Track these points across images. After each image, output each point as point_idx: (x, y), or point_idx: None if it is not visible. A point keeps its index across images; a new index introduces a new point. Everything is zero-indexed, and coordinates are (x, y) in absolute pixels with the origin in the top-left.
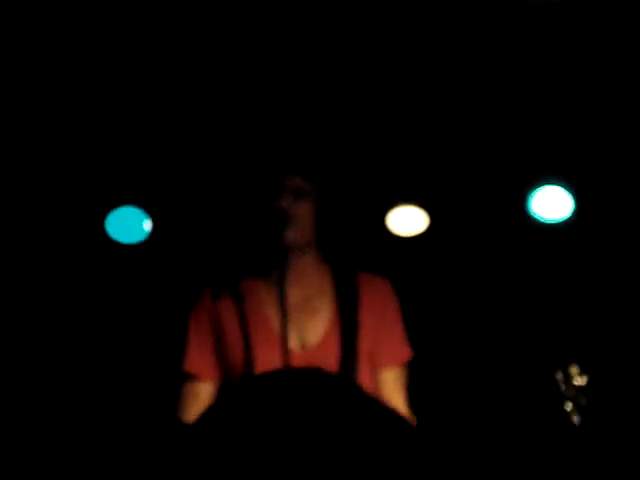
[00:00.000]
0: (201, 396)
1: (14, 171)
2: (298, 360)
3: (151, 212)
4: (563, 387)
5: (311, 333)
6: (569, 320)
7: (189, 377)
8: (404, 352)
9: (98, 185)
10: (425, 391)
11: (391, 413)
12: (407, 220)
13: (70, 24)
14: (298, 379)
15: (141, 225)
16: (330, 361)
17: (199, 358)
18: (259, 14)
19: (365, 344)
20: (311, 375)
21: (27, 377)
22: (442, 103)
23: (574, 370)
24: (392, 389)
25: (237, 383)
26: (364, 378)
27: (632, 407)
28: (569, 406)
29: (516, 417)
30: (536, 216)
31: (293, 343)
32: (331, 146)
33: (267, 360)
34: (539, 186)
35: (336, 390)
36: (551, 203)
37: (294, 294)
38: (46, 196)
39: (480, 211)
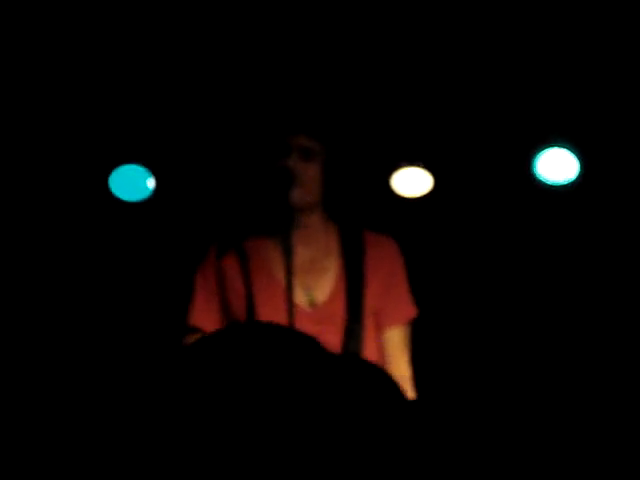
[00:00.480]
0: None
1: (18, 129)
2: (305, 317)
3: (154, 170)
4: None
5: (318, 291)
6: (573, 283)
7: (193, 331)
8: (409, 311)
9: (101, 143)
10: (428, 352)
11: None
12: (412, 181)
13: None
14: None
15: (144, 183)
16: (337, 319)
17: (205, 313)
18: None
19: (371, 302)
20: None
21: (36, 329)
22: (448, 65)
23: None
24: (397, 348)
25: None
26: (370, 335)
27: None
28: None
29: (518, 381)
30: (541, 178)
31: (299, 300)
32: (338, 106)
33: (272, 317)
34: (544, 148)
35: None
36: (556, 165)
37: (301, 253)
38: (50, 154)
39: (485, 173)
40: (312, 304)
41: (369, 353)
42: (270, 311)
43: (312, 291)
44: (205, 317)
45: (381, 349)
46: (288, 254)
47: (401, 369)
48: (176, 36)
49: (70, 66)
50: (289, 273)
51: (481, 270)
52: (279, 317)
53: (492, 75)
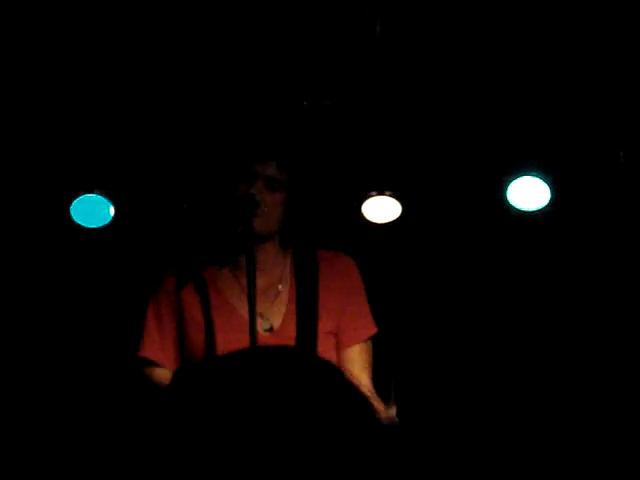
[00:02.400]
0: (158, 382)
1: None
2: (263, 343)
3: (115, 198)
4: None
5: (274, 317)
6: (544, 309)
7: (145, 363)
8: (368, 328)
9: (63, 173)
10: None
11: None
12: (382, 208)
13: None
14: (259, 357)
15: (105, 211)
16: (291, 342)
17: (156, 344)
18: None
19: (327, 323)
20: (271, 352)
21: None
22: (418, 93)
23: None
24: (356, 366)
25: (196, 363)
26: (326, 356)
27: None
28: None
29: (489, 404)
30: (513, 205)
31: (259, 327)
32: (308, 136)
33: (232, 345)
34: (516, 176)
35: (296, 365)
36: (528, 192)
37: (257, 280)
38: (16, 182)
39: (456, 201)
40: (269, 330)
41: None
42: (229, 339)
43: (268, 317)
44: (157, 348)
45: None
46: (251, 282)
47: (363, 386)
48: (140, 66)
49: (36, 97)
50: (252, 300)
51: (452, 297)
52: (239, 343)
53: (463, 103)
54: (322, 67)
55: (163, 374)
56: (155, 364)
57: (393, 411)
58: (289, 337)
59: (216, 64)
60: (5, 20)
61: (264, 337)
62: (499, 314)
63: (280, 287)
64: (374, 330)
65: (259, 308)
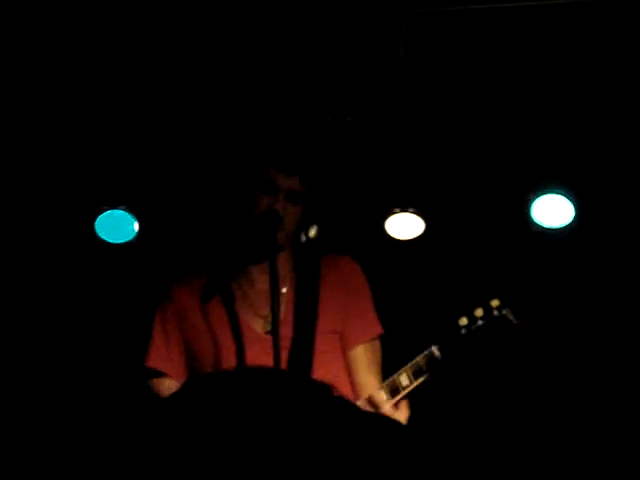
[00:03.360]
0: (165, 392)
1: (6, 176)
2: (261, 344)
3: (139, 214)
4: None
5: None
6: (568, 326)
7: (152, 373)
8: (373, 328)
9: (88, 189)
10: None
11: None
12: (406, 225)
13: (55, 25)
14: (252, 377)
15: (129, 226)
16: (286, 342)
17: (163, 354)
18: (251, 17)
19: (327, 323)
20: (262, 374)
21: (15, 373)
22: (442, 111)
23: None
24: (362, 365)
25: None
26: (326, 357)
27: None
28: None
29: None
30: (537, 223)
31: (256, 328)
32: (330, 152)
33: (230, 347)
34: (540, 194)
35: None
36: (552, 210)
37: (262, 285)
38: (42, 199)
39: (481, 218)
40: (269, 332)
41: (323, 374)
42: (232, 343)
43: (268, 319)
44: (163, 358)
45: (343, 369)
46: (275, 297)
47: (370, 386)
48: (160, 79)
49: (60, 115)
50: (276, 316)
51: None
52: (244, 348)
53: (487, 121)
54: (346, 84)
55: (170, 384)
56: (161, 374)
57: (402, 414)
58: (285, 337)
59: (243, 79)
60: (28, 30)
61: (265, 339)
62: (522, 331)
63: (283, 290)
64: (380, 330)
65: (262, 310)
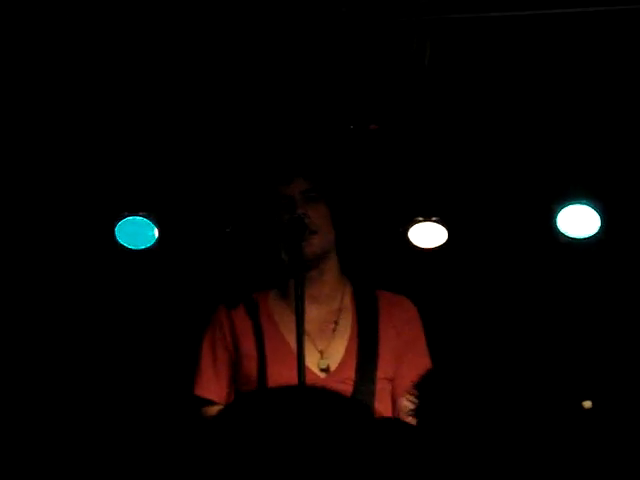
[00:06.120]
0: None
1: (26, 181)
2: (316, 382)
3: (159, 220)
4: None
5: (330, 356)
6: (590, 337)
7: (201, 401)
8: None
9: (108, 195)
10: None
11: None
12: (429, 234)
13: (73, 28)
14: (307, 396)
15: (149, 232)
16: (348, 384)
17: (212, 383)
18: (267, 19)
19: (384, 369)
20: (320, 394)
21: (33, 386)
22: (466, 119)
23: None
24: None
25: (244, 397)
26: (382, 404)
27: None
28: None
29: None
30: (562, 233)
31: (311, 364)
32: (353, 160)
33: (283, 381)
34: (566, 204)
35: (341, 411)
36: (578, 220)
37: (313, 312)
38: (61, 205)
39: (505, 227)
40: (325, 370)
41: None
42: (282, 375)
43: (325, 356)
44: (212, 386)
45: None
46: (300, 316)
47: None
48: (180, 85)
49: (80, 118)
50: (300, 337)
51: (498, 324)
52: (290, 379)
53: (511, 130)
54: (370, 92)
55: (218, 411)
56: (211, 402)
57: None
58: (347, 380)
59: (264, 89)
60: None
61: (319, 378)
62: (546, 342)
63: (339, 322)
64: None
65: (318, 344)
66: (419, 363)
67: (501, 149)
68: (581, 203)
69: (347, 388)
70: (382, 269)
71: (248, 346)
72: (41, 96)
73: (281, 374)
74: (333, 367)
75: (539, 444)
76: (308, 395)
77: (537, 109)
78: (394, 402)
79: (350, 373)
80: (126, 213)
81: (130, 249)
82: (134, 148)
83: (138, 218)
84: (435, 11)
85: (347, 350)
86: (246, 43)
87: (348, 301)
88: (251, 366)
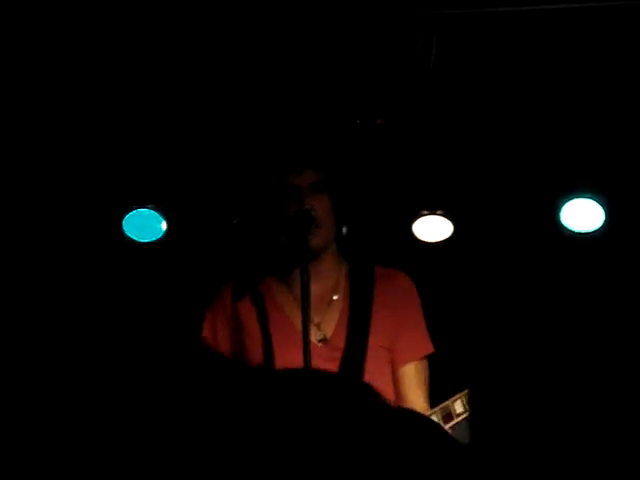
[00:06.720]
0: None
1: (35, 175)
2: (317, 354)
3: (167, 213)
4: None
5: (326, 327)
6: (595, 331)
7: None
8: (423, 346)
9: (116, 187)
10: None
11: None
12: (434, 228)
13: (79, 27)
14: (311, 379)
15: (157, 225)
16: (339, 352)
17: (217, 330)
18: (268, 12)
19: (379, 338)
20: (321, 377)
21: (42, 377)
22: (471, 113)
23: None
24: (411, 384)
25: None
26: (376, 370)
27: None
28: None
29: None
30: (566, 227)
31: (312, 338)
32: (359, 154)
33: (289, 357)
34: (570, 198)
35: (344, 394)
36: (582, 214)
37: (312, 290)
38: (69, 198)
39: (509, 221)
40: (322, 340)
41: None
42: (286, 351)
43: (321, 328)
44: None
45: (390, 385)
46: (305, 298)
47: (417, 405)
48: (188, 79)
49: (87, 112)
50: (306, 314)
51: (502, 317)
52: (296, 356)
53: (516, 124)
54: (376, 86)
55: None
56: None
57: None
58: (339, 348)
59: (270, 83)
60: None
61: (317, 347)
62: (550, 335)
63: (335, 297)
64: (430, 349)
65: (314, 317)
66: (416, 331)
67: (506, 143)
68: (585, 197)
69: (336, 355)
70: (386, 263)
71: (251, 326)
72: (49, 91)
73: (288, 352)
74: (328, 337)
75: (541, 444)
76: (317, 383)
77: (542, 103)
78: (393, 370)
79: (342, 342)
80: (134, 206)
81: (138, 242)
82: (141, 141)
83: (146, 211)
84: (441, 6)
85: (340, 321)
86: (257, 36)
87: (343, 278)
88: (256, 347)
